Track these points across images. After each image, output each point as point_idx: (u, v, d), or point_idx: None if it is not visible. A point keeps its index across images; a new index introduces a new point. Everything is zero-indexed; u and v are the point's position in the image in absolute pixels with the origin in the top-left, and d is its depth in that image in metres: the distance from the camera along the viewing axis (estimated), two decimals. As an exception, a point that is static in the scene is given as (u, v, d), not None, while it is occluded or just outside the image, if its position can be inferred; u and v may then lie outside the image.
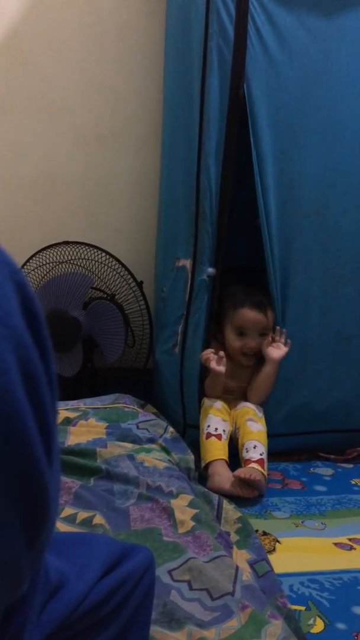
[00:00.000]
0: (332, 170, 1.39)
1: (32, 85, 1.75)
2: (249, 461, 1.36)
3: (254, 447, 1.39)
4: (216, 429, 1.44)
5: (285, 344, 1.46)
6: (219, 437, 1.42)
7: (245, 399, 1.54)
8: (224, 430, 1.44)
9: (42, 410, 0.34)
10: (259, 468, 1.34)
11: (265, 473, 1.36)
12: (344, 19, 1.33)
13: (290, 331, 1.46)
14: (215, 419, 1.46)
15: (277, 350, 1.46)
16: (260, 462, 1.36)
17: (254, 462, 1.36)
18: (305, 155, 1.37)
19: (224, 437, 1.43)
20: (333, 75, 1.35)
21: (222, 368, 1.44)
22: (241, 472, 1.31)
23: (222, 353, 1.44)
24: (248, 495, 1.30)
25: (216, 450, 1.40)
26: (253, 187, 1.38)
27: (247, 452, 1.39)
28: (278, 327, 1.46)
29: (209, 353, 1.45)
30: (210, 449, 1.40)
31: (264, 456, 1.39)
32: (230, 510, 1.21)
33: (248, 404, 1.51)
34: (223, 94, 1.33)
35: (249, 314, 1.48)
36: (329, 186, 1.40)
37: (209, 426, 1.45)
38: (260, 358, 1.51)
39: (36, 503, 0.35)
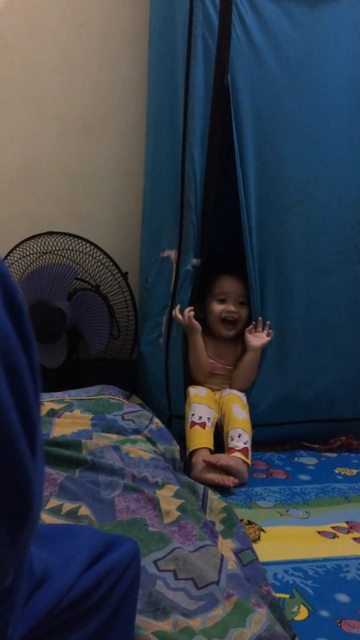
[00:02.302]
0: (315, 161, 1.39)
1: (15, 74, 1.72)
2: (232, 450, 1.37)
3: (239, 436, 1.40)
4: (200, 417, 1.44)
5: (267, 335, 1.48)
6: (202, 425, 1.43)
7: (230, 385, 1.55)
8: (208, 419, 1.45)
9: (24, 402, 0.34)
10: (242, 457, 1.35)
11: (249, 462, 1.37)
12: (329, 9, 1.32)
13: (274, 322, 1.47)
14: (200, 407, 1.46)
15: (257, 339, 1.49)
16: (244, 451, 1.37)
17: (238, 451, 1.37)
18: (288, 146, 1.37)
19: (209, 425, 1.44)
20: (317, 65, 1.34)
21: (197, 323, 1.50)
22: (209, 457, 1.33)
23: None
24: (223, 482, 1.29)
25: (200, 438, 1.40)
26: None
27: (231, 440, 1.40)
28: (260, 318, 1.48)
29: (188, 311, 1.47)
30: (194, 437, 1.41)
31: (248, 445, 1.40)
32: (215, 500, 1.22)
33: (234, 391, 1.53)
34: (207, 84, 1.33)
35: (228, 279, 1.56)
36: (313, 177, 1.39)
37: (193, 415, 1.45)
38: (240, 334, 1.56)
39: (19, 496, 0.35)
